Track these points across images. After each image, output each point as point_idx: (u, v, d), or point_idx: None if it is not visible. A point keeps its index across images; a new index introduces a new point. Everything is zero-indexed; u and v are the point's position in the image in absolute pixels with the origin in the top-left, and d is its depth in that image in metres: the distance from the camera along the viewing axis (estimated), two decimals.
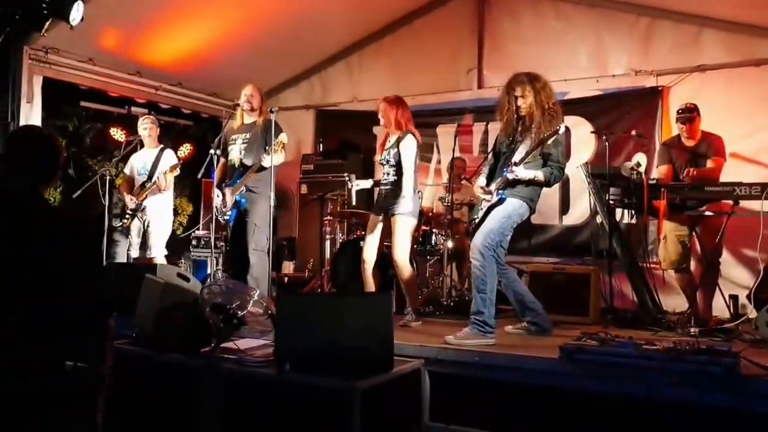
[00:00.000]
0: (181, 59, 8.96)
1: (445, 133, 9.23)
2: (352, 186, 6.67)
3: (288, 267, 9.85)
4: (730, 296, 6.39)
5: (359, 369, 3.97)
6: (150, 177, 7.74)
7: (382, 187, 6.36)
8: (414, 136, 6.25)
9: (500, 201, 5.31)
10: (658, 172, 6.73)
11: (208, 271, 8.61)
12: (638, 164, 6.20)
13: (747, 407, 3.82)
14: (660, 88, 7.97)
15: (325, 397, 3.93)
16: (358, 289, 6.48)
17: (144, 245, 7.67)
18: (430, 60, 9.43)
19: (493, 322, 5.17)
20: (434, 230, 7.68)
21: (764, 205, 5.53)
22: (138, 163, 7.98)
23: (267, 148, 6.52)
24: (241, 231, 6.77)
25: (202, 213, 10.20)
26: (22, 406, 2.59)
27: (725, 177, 6.35)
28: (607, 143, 6.66)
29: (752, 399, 3.82)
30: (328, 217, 8.70)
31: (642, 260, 6.71)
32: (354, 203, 6.66)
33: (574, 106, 8.34)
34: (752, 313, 6.04)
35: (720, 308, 6.35)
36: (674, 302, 6.76)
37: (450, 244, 7.37)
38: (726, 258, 6.66)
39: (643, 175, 6.19)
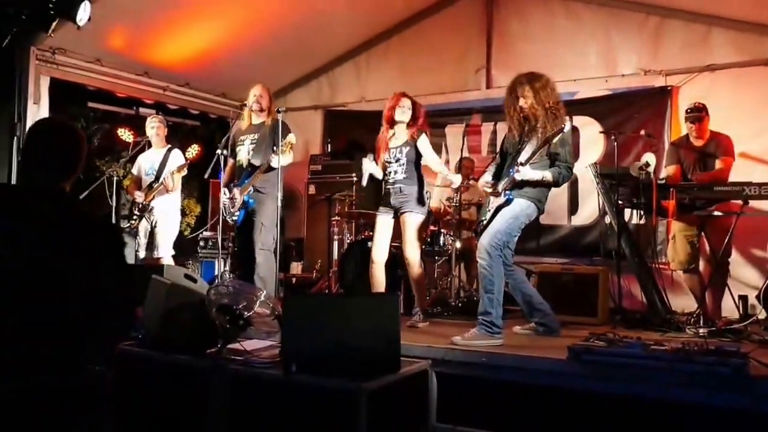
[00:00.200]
0: (188, 59, 8.96)
1: (454, 134, 9.24)
2: (367, 166, 6.47)
3: (296, 267, 9.85)
4: (740, 297, 6.36)
5: (366, 370, 3.95)
6: (157, 177, 7.72)
7: (390, 186, 6.29)
8: (425, 132, 6.34)
9: (507, 201, 5.30)
10: (667, 172, 6.70)
11: (216, 272, 8.60)
12: (647, 164, 6.17)
13: (755, 408, 3.79)
14: (669, 88, 7.95)
15: (331, 398, 3.90)
16: (366, 290, 6.46)
17: (151, 246, 7.65)
18: (439, 60, 9.42)
19: (500, 323, 5.15)
20: (442, 230, 7.67)
21: None
22: (145, 164, 7.97)
23: (275, 148, 6.51)
24: (249, 231, 6.76)
25: (210, 214, 10.19)
26: (44, 406, 2.58)
27: (734, 177, 6.32)
28: (616, 143, 6.63)
29: (761, 400, 3.79)
30: (336, 218, 8.70)
31: (651, 261, 6.67)
32: (364, 184, 6.55)
33: (584, 106, 8.37)
34: (761, 313, 6.04)
35: (729, 309, 6.32)
36: (683, 303, 6.73)
37: (458, 244, 7.35)
38: (735, 258, 6.62)
39: (652, 175, 6.16)
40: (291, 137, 6.62)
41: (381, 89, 9.23)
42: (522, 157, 5.25)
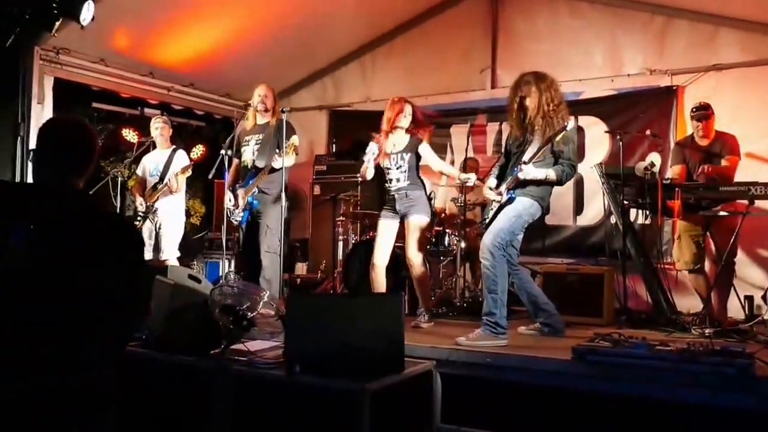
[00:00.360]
0: (193, 60, 8.95)
1: (459, 134, 9.21)
2: (371, 157, 6.35)
3: (301, 268, 9.84)
4: (745, 297, 6.34)
5: (369, 370, 3.94)
6: (162, 178, 7.71)
7: (395, 192, 6.27)
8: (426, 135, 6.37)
9: (510, 200, 5.29)
10: (672, 171, 6.68)
11: (221, 273, 8.59)
12: (652, 164, 6.16)
13: (761, 408, 3.78)
14: (675, 88, 7.92)
15: (334, 398, 3.90)
16: (370, 291, 6.46)
17: (156, 247, 7.65)
18: (443, 60, 9.40)
19: (505, 323, 5.14)
20: (447, 231, 7.67)
21: None
22: (150, 164, 7.96)
23: (279, 149, 6.50)
24: (254, 233, 6.76)
25: (214, 214, 10.19)
26: (44, 406, 2.57)
27: (740, 176, 6.30)
28: (621, 143, 6.62)
29: (766, 400, 3.78)
30: (341, 218, 8.69)
31: (656, 261, 6.65)
32: (370, 178, 6.53)
33: (589, 106, 8.36)
34: (767, 314, 6.00)
35: (735, 309, 6.30)
36: (689, 303, 6.70)
37: (463, 244, 7.34)
38: (741, 258, 6.61)
39: (657, 175, 6.15)
40: (294, 139, 6.60)
41: (386, 89, 9.22)
42: (525, 156, 5.24)
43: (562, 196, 8.12)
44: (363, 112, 9.97)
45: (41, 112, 7.45)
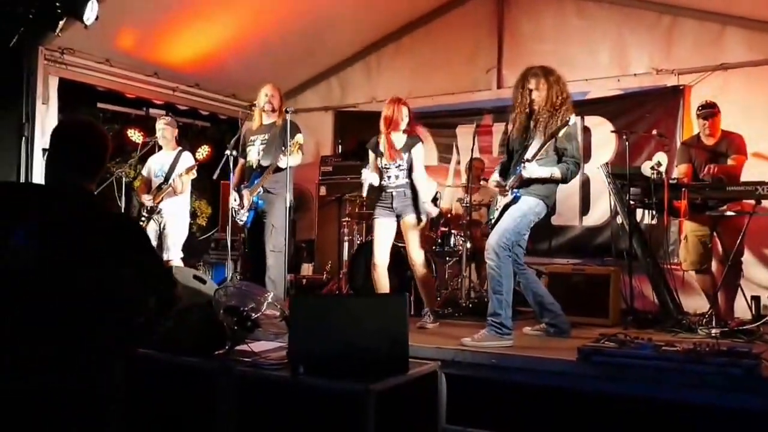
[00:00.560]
0: (198, 60, 8.94)
1: (465, 134, 9.17)
2: (367, 176, 6.45)
3: (307, 269, 9.83)
4: (752, 297, 6.29)
5: (374, 371, 3.94)
6: (166, 179, 7.70)
7: (393, 190, 6.29)
8: (421, 140, 6.40)
9: (515, 200, 5.26)
10: (678, 171, 6.67)
11: (226, 274, 8.59)
12: (658, 164, 6.12)
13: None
14: (681, 87, 7.88)
15: (339, 399, 3.88)
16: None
17: (160, 248, 7.64)
18: (449, 60, 9.38)
19: (510, 324, 5.12)
20: (453, 231, 7.66)
21: None
22: (155, 165, 7.96)
23: (284, 149, 6.49)
24: (259, 233, 6.74)
25: (220, 215, 10.19)
26: (44, 406, 2.57)
27: (747, 176, 6.28)
28: (627, 143, 6.59)
29: None
30: (347, 219, 8.67)
31: (663, 261, 6.63)
32: (365, 194, 6.59)
33: (595, 106, 8.33)
34: None
35: (742, 309, 6.26)
36: (695, 303, 6.66)
37: (468, 245, 7.33)
38: (748, 258, 6.59)
39: (664, 175, 6.12)
40: (299, 137, 6.58)
41: (392, 89, 9.17)
42: (528, 154, 5.20)
43: (569, 196, 8.14)
44: (369, 113, 9.92)
45: (46, 112, 7.47)
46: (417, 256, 6.21)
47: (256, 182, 6.69)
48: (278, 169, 6.59)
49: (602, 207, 8.04)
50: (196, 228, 10.03)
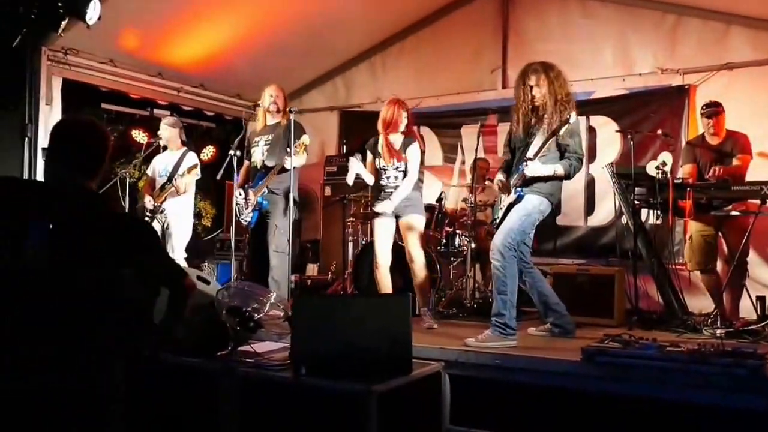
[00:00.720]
0: (203, 60, 8.94)
1: (470, 134, 9.14)
2: (354, 166, 6.48)
3: (312, 269, 9.83)
4: (757, 297, 6.25)
5: (376, 372, 3.94)
6: (170, 179, 7.69)
7: (392, 190, 6.29)
8: (418, 141, 6.43)
9: (519, 198, 5.23)
10: (683, 171, 6.64)
11: (232, 274, 8.59)
12: (663, 163, 6.10)
13: None
14: (686, 87, 7.84)
15: (341, 400, 3.88)
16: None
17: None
18: (454, 60, 9.36)
19: (514, 324, 5.10)
20: (458, 231, 7.65)
21: None
22: (159, 165, 7.96)
23: (289, 149, 6.49)
24: (263, 233, 6.74)
25: (225, 215, 10.18)
26: (44, 406, 2.57)
27: (752, 176, 6.26)
28: (632, 142, 6.56)
29: None
30: (351, 219, 8.67)
31: (668, 261, 6.60)
32: (350, 183, 6.61)
33: (600, 106, 8.32)
34: None
35: (747, 309, 6.23)
36: (700, 303, 6.63)
37: (473, 245, 7.31)
38: (753, 258, 6.56)
39: (669, 175, 6.10)
40: (305, 138, 6.58)
41: (397, 90, 9.17)
42: (530, 152, 5.18)
43: (574, 196, 8.13)
44: (374, 113, 9.86)
45: (50, 112, 7.45)
46: (416, 255, 6.21)
47: (260, 183, 6.69)
48: (283, 170, 6.58)
49: (607, 207, 8.01)
50: (201, 228, 10.02)
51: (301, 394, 4.05)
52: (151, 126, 8.91)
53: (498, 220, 5.46)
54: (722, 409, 3.86)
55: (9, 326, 2.56)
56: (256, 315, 4.59)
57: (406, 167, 6.22)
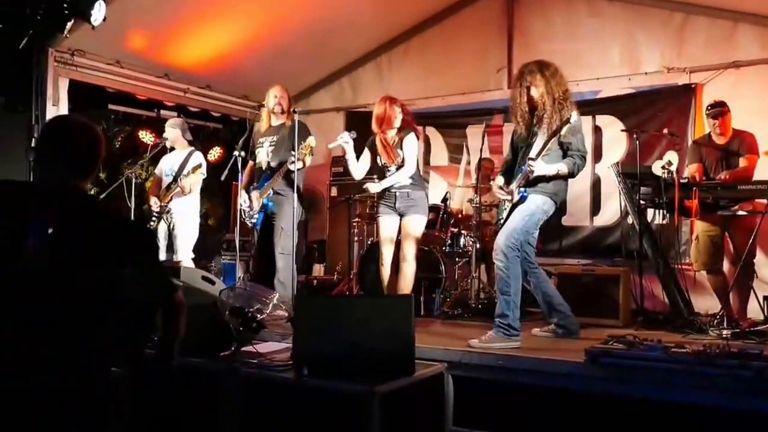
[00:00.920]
0: (209, 61, 8.94)
1: (475, 134, 9.13)
2: (342, 137, 6.58)
3: (318, 269, 9.83)
4: (764, 298, 6.21)
5: (379, 373, 3.92)
6: (175, 179, 7.69)
7: (396, 190, 6.31)
8: (415, 131, 6.44)
9: (522, 199, 5.21)
10: (689, 170, 6.62)
11: (238, 274, 8.59)
12: (669, 163, 6.07)
13: None
14: (693, 86, 7.80)
15: (344, 401, 3.87)
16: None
17: (170, 248, 7.64)
18: (460, 60, 9.34)
19: (518, 325, 5.09)
20: (463, 232, 7.63)
21: None
22: (166, 165, 7.96)
23: (293, 151, 6.48)
24: (269, 234, 6.75)
25: (232, 216, 10.19)
26: (44, 406, 2.56)
27: (759, 175, 6.22)
28: (638, 142, 6.53)
29: None
30: (357, 219, 8.65)
31: (674, 261, 6.57)
32: (331, 147, 6.81)
33: (606, 105, 8.30)
34: None
35: (754, 310, 6.19)
36: (707, 304, 6.58)
37: (478, 245, 7.30)
38: (760, 259, 6.54)
39: (674, 174, 6.07)
40: (310, 140, 6.58)
41: (403, 90, 9.18)
42: (533, 152, 5.16)
43: (580, 196, 8.10)
44: None
45: (56, 113, 7.40)
46: (409, 253, 6.23)
47: (266, 184, 6.69)
48: (289, 172, 6.57)
49: (613, 207, 7.98)
50: (208, 229, 10.02)
51: (303, 395, 4.05)
52: (158, 127, 8.90)
53: (502, 221, 5.43)
54: (728, 411, 3.84)
55: (9, 326, 2.56)
56: (258, 315, 4.58)
57: (403, 158, 6.23)
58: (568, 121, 4.97)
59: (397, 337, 4.11)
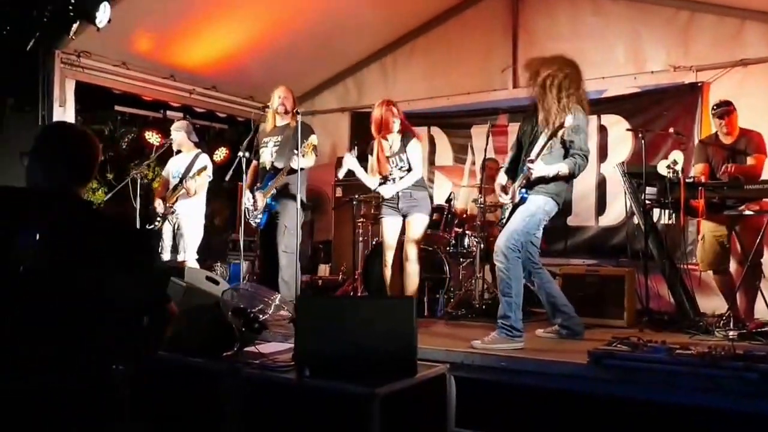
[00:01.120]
0: (215, 62, 8.95)
1: (480, 134, 9.08)
2: (348, 161, 6.69)
3: (324, 270, 9.84)
4: None
5: (381, 374, 3.90)
6: (181, 180, 7.71)
7: (399, 192, 6.37)
8: (416, 136, 6.50)
9: (523, 200, 5.18)
10: (695, 170, 6.59)
11: (242, 274, 8.60)
12: (675, 162, 6.03)
13: None
14: (699, 84, 7.76)
15: (345, 402, 3.85)
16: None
17: (175, 248, 7.66)
18: (464, 59, 9.32)
19: (520, 326, 5.06)
20: (467, 232, 7.62)
21: None
22: (173, 167, 7.99)
23: (296, 151, 6.48)
24: (273, 234, 6.76)
25: (237, 216, 10.19)
26: (44, 406, 2.56)
27: (767, 175, 6.18)
28: (644, 141, 6.49)
29: None
30: (362, 220, 8.64)
31: (680, 261, 6.54)
32: (340, 177, 6.98)
33: (612, 104, 8.27)
34: None
35: (762, 311, 6.15)
36: (713, 304, 6.54)
37: (483, 245, 7.28)
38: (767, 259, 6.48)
39: (680, 174, 6.03)
40: (313, 138, 6.60)
41: (407, 90, 9.21)
42: (533, 152, 5.12)
43: (585, 196, 8.08)
44: None
45: (63, 115, 7.46)
46: (412, 251, 6.31)
47: (269, 184, 6.70)
48: (292, 171, 6.58)
49: (618, 207, 7.92)
50: (213, 229, 10.02)
51: (304, 396, 4.04)
52: (164, 128, 8.93)
53: (504, 221, 5.41)
54: (733, 414, 3.81)
55: (9, 326, 2.56)
56: (261, 316, 4.58)
57: (409, 164, 6.22)
58: (562, 125, 4.93)
59: (398, 338, 4.09)
